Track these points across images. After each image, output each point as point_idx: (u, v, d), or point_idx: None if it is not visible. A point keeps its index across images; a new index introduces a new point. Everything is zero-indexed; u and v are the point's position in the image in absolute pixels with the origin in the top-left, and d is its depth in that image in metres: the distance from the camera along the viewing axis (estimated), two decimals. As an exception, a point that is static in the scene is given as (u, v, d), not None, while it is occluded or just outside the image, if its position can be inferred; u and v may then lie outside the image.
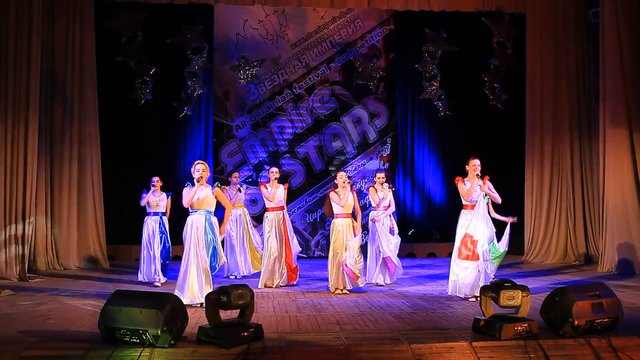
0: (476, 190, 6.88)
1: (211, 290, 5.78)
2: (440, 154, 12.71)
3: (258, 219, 10.14)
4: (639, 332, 5.03)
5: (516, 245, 11.27)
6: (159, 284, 8.00)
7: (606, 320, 5.01)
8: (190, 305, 6.19)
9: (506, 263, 9.98)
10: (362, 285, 7.61)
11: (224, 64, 12.24)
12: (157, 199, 8.34)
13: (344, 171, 7.90)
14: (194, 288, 6.40)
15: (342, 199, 7.45)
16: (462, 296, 6.87)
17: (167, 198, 8.47)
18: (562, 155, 11.00)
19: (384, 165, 12.61)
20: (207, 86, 12.01)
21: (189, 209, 6.59)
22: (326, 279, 7.82)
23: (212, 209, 6.64)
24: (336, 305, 6.63)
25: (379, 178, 8.41)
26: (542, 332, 4.96)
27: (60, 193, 10.09)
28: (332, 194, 7.53)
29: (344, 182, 7.49)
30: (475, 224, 6.77)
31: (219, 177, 11.45)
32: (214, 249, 6.46)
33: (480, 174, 6.86)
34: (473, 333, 5.05)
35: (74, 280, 8.69)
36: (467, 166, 7.02)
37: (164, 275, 8.18)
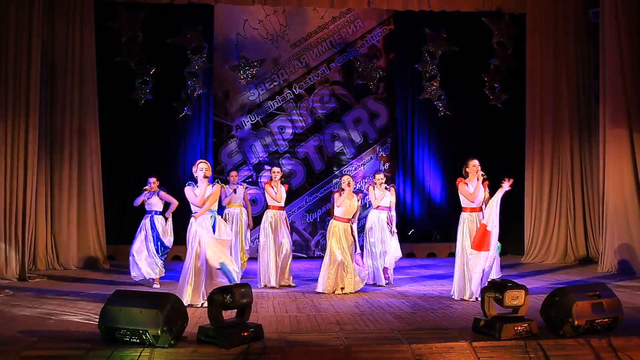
0: (481, 190, 6.83)
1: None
2: (440, 154, 12.70)
3: (258, 220, 10.10)
4: (639, 332, 5.04)
5: (516, 245, 11.35)
6: (158, 285, 7.95)
7: (606, 320, 5.01)
8: (190, 305, 6.18)
9: (506, 263, 9.98)
10: (362, 285, 7.61)
11: (224, 64, 12.24)
12: (154, 199, 8.25)
13: (349, 174, 7.92)
14: (196, 289, 6.35)
15: (341, 200, 7.48)
16: (473, 299, 6.64)
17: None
18: (562, 155, 11.01)
19: (384, 165, 12.60)
20: (207, 86, 12.00)
21: (192, 208, 6.58)
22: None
23: (216, 208, 6.64)
24: (336, 305, 6.63)
25: (378, 179, 8.42)
26: (542, 332, 4.96)
27: (60, 193, 10.08)
28: (335, 194, 7.64)
29: (347, 184, 7.53)
30: (493, 220, 6.57)
31: (219, 177, 11.43)
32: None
33: (484, 175, 6.79)
34: (473, 333, 5.05)
35: (73, 281, 8.67)
36: (466, 168, 6.96)
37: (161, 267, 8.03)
